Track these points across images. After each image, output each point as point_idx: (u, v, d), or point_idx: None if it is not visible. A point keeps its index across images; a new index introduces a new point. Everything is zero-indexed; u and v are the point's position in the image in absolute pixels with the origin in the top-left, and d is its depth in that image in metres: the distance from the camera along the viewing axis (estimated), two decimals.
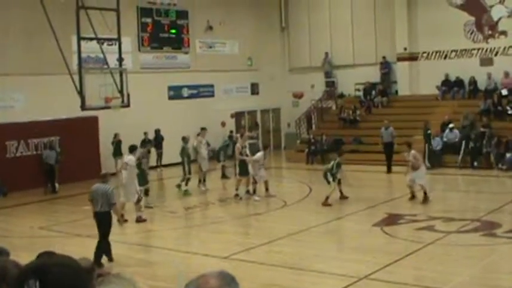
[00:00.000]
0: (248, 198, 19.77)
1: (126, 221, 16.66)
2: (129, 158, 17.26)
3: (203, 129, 22.70)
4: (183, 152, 21.31)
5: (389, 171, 24.02)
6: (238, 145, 20.81)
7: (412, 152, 18.40)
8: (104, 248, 12.80)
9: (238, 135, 23.41)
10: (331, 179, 18.39)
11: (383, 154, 24.69)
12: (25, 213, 19.39)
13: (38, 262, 2.35)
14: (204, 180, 21.88)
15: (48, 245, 13.30)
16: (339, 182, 18.63)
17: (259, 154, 20.01)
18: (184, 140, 21.68)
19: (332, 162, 18.73)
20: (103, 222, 12.79)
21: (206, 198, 20.36)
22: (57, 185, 22.67)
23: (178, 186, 21.44)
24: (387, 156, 24.35)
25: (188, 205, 19.22)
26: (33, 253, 2.32)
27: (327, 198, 18.15)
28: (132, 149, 17.62)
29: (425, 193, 17.86)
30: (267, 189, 20.08)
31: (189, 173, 21.12)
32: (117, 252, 13.60)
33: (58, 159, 23.12)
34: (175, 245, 14.62)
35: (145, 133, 26.49)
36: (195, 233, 16.24)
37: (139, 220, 16.78)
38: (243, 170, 19.91)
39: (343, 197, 18.75)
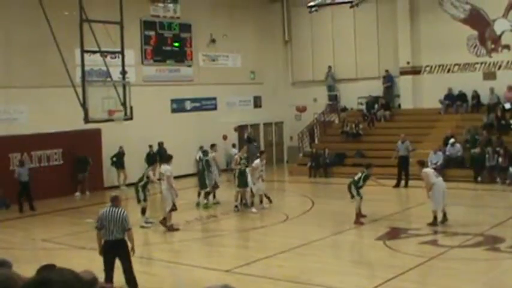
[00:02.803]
0: (247, 212, 19.83)
1: (177, 229, 17.31)
2: (166, 169, 17.65)
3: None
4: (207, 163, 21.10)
5: (406, 185, 23.66)
6: (236, 156, 21.13)
7: (424, 170, 17.02)
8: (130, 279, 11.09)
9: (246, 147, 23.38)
10: (355, 193, 17.34)
11: (387, 168, 24.60)
12: (27, 225, 19.39)
13: (40, 278, 2.35)
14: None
15: (50, 257, 13.29)
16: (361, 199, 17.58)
17: (257, 161, 20.14)
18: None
19: (359, 175, 17.59)
20: (118, 252, 10.97)
21: (208, 211, 20.31)
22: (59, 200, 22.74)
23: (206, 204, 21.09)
24: (401, 170, 23.90)
25: (189, 218, 19.18)
26: (36, 265, 2.32)
27: (357, 215, 17.19)
28: (168, 158, 18.19)
29: (435, 217, 16.50)
30: (261, 202, 20.29)
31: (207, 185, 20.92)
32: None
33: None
34: (177, 258, 14.59)
35: (150, 146, 26.54)
36: (196, 246, 16.19)
37: (171, 229, 17.15)
38: (242, 182, 20.02)
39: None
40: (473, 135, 25.48)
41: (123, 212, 11.01)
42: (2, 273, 2.81)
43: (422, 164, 17.79)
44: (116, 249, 10.95)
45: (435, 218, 16.47)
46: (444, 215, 16.71)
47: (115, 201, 11.22)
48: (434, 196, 16.52)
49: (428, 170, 17.17)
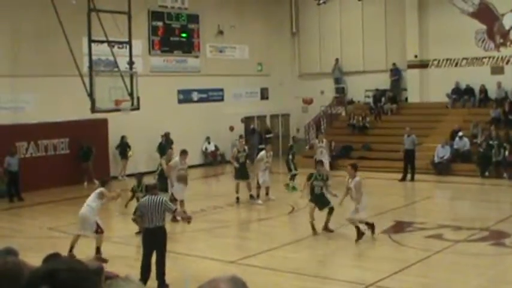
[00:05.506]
0: (252, 203, 19.82)
1: (178, 221, 16.53)
2: (174, 161, 17.75)
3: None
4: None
5: (412, 179, 23.63)
6: (235, 149, 21.37)
7: (357, 179, 14.66)
8: (160, 268, 11.33)
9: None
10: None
11: (392, 161, 24.60)
12: (34, 214, 19.46)
13: (47, 267, 2.35)
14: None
15: (56, 246, 13.31)
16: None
17: (262, 153, 20.22)
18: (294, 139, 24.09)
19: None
20: (157, 239, 11.25)
21: (213, 202, 20.33)
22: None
23: (287, 185, 22.01)
24: (407, 163, 23.78)
25: (195, 209, 19.19)
26: (42, 254, 2.33)
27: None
28: (181, 152, 18.07)
29: (360, 227, 14.63)
30: (267, 193, 20.31)
31: (295, 169, 22.23)
32: (124, 255, 13.64)
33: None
34: (182, 249, 14.60)
35: (162, 136, 26.59)
36: (201, 237, 16.19)
37: (173, 220, 16.62)
38: (240, 174, 20.11)
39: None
40: (487, 139, 24.95)
41: (162, 198, 11.40)
42: (9, 261, 2.82)
43: (356, 168, 15.15)
44: (155, 237, 11.21)
45: (366, 225, 14.79)
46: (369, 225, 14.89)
47: (153, 190, 11.66)
48: (363, 205, 14.67)
49: (362, 180, 14.99)
